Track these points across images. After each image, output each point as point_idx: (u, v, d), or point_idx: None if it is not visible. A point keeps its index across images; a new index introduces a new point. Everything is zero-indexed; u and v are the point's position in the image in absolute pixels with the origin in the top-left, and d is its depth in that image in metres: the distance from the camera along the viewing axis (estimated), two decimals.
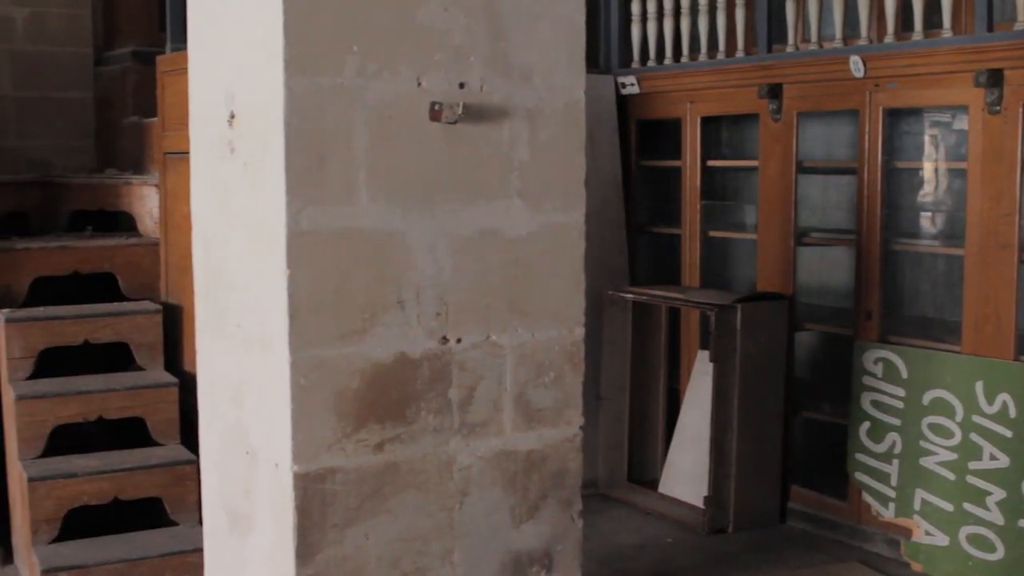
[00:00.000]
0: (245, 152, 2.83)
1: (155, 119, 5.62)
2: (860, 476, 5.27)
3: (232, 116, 2.89)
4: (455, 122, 2.84)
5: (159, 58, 5.56)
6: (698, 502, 5.63)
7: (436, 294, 2.86)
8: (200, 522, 5.00)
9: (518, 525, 3.08)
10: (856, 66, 5.17)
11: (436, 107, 2.83)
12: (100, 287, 5.62)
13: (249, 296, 2.83)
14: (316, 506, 2.77)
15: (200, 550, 4.74)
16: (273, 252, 2.70)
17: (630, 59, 6.63)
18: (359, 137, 2.75)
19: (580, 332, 3.10)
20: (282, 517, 2.78)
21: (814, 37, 5.61)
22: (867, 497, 5.26)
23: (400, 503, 2.89)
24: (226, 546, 3.08)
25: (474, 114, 2.88)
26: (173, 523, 5.02)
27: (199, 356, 3.11)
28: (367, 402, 2.80)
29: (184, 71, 5.14)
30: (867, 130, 5.24)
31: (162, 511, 5.03)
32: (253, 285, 2.80)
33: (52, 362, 5.23)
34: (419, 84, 2.83)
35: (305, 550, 2.77)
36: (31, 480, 4.82)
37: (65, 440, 5.09)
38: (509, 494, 3.05)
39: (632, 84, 6.43)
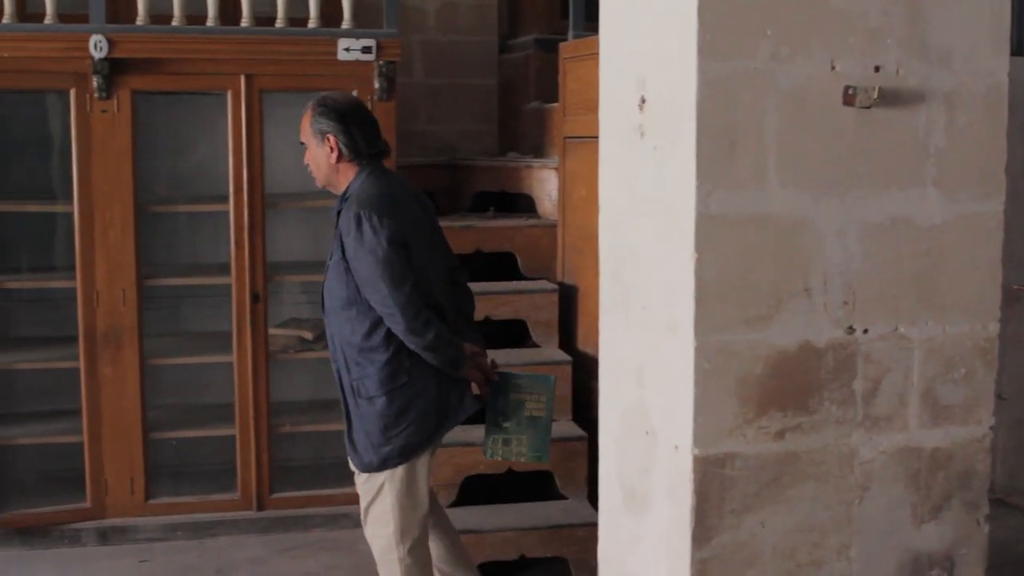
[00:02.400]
0: (655, 136, 2.86)
1: (556, 104, 5.77)
2: None
3: (643, 101, 2.92)
4: (869, 107, 2.77)
5: (561, 45, 5.70)
6: None
7: (844, 282, 2.80)
8: (588, 498, 5.14)
9: (919, 525, 2.98)
10: None
11: (850, 91, 2.76)
12: (500, 265, 5.85)
13: (655, 279, 2.86)
14: (714, 490, 2.78)
15: (588, 525, 4.88)
16: (681, 236, 2.72)
17: None
18: (770, 121, 2.73)
19: (995, 328, 2.96)
20: (680, 499, 2.81)
21: None
22: None
23: (798, 493, 2.85)
24: (621, 523, 3.14)
25: (889, 98, 2.79)
26: (562, 497, 5.17)
27: (602, 336, 3.17)
28: (769, 389, 2.78)
29: (586, 57, 5.28)
30: None
31: (552, 484, 5.19)
32: (660, 268, 2.83)
33: None
34: (833, 68, 2.77)
35: (701, 533, 2.79)
36: None
37: None
38: (911, 492, 2.95)
39: None
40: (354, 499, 5.68)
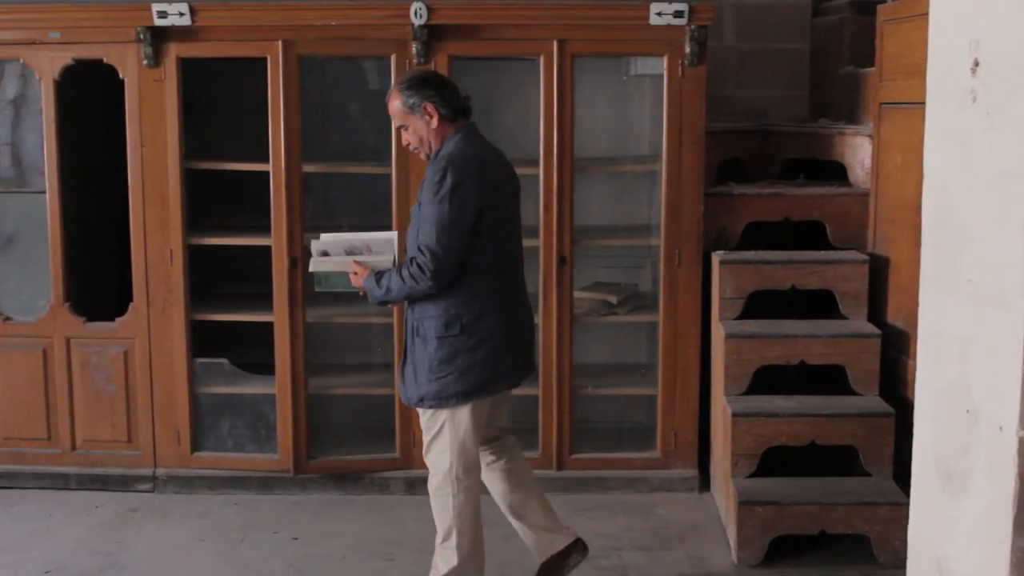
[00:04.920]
0: (988, 102, 2.72)
1: (871, 69, 5.58)
2: None
3: (975, 64, 2.78)
4: None
5: (880, 7, 5.50)
6: None
7: None
8: (893, 476, 4.98)
9: None
10: None
11: None
12: (808, 234, 5.73)
13: (984, 251, 2.73)
14: None
15: (892, 504, 4.75)
16: (1015, 206, 2.58)
17: None
18: None
19: None
20: (1002, 483, 2.68)
21: None
22: None
23: None
24: (935, 503, 3.02)
25: None
26: (866, 473, 5.04)
27: (921, 309, 3.05)
28: None
29: (906, 20, 5.08)
30: None
31: (855, 460, 5.07)
32: (989, 240, 2.70)
33: (758, 304, 5.42)
34: None
35: None
36: (735, 415, 5.04)
37: (765, 380, 5.27)
38: None
39: None
40: (652, 463, 5.76)
